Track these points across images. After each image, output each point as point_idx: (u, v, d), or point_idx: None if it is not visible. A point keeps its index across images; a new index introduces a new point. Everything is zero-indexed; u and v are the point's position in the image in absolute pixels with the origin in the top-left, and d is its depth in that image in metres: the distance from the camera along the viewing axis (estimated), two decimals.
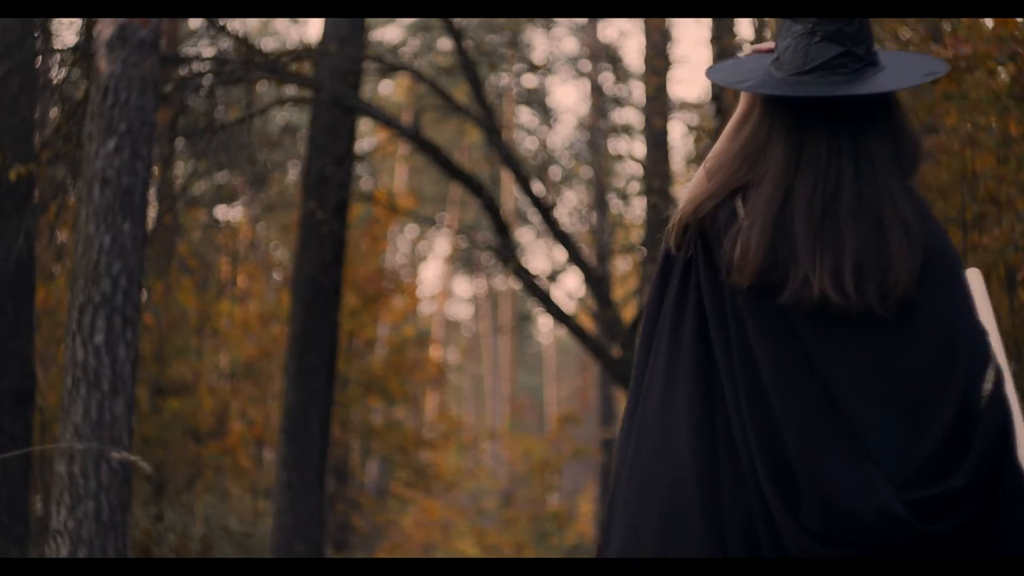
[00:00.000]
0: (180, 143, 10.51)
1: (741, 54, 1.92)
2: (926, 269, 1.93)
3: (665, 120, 13.77)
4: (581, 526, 21.23)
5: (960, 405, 1.91)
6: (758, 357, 1.94)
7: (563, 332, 16.84)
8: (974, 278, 2.24)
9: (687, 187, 2.12)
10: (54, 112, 8.89)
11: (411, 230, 26.33)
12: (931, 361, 1.92)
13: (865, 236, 1.91)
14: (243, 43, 9.57)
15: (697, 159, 11.83)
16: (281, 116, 18.02)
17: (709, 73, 2.13)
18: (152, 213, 9.96)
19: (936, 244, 1.97)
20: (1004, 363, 2.02)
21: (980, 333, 1.98)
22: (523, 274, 10.52)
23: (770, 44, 2.12)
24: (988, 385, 1.93)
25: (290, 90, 11.11)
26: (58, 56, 8.45)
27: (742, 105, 2.10)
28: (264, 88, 12.51)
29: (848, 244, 1.90)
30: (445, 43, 16.79)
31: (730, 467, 1.93)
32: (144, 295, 8.56)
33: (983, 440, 1.90)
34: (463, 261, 26.30)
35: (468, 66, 10.62)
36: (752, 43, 10.89)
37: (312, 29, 37.67)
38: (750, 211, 1.94)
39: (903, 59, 2.07)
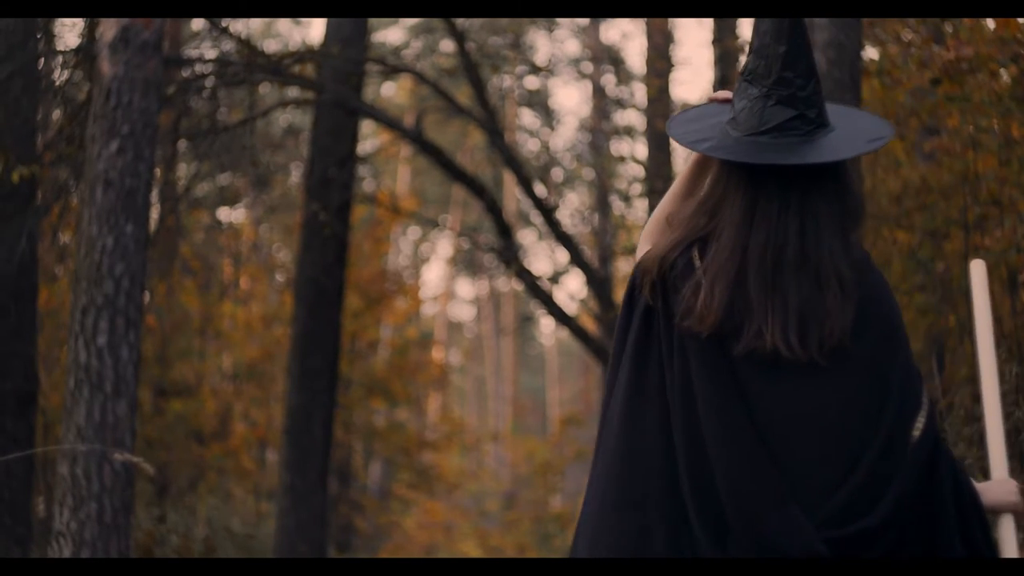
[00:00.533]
0: (183, 145, 10.52)
1: (698, 104, 2.00)
2: (862, 320, 2.09)
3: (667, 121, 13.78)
4: None
5: (885, 449, 2.06)
6: (698, 399, 2.08)
7: (565, 334, 16.83)
8: (977, 269, 2.39)
9: (644, 233, 2.29)
10: (57, 114, 8.89)
11: (414, 232, 26.35)
12: (861, 408, 2.07)
13: (806, 291, 2.07)
14: (245, 45, 9.58)
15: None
16: (283, 118, 18.03)
17: (670, 128, 2.25)
18: (155, 215, 9.97)
19: (874, 295, 2.12)
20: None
21: (913, 380, 2.12)
22: (525, 276, 10.52)
23: (727, 94, 2.23)
24: (916, 431, 2.08)
25: (292, 92, 11.12)
26: (60, 58, 8.45)
27: (698, 158, 2.26)
28: (267, 90, 12.53)
29: (791, 300, 2.06)
30: (447, 45, 16.80)
31: (657, 498, 2.11)
32: (147, 297, 8.57)
33: (902, 481, 2.05)
34: (466, 263, 26.32)
35: (471, 68, 10.63)
36: (750, 43, 10.88)
37: (315, 31, 37.69)
38: (710, 265, 2.09)
39: (853, 119, 2.21)
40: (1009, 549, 2.21)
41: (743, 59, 12.48)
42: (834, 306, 2.07)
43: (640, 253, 2.24)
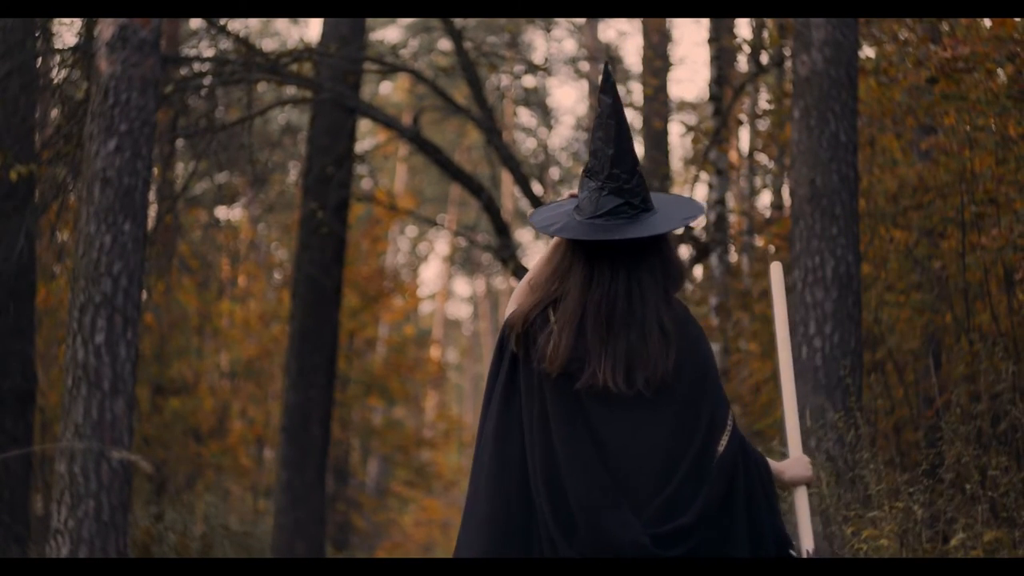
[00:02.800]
0: (181, 143, 10.53)
1: (558, 198, 2.92)
2: (681, 363, 2.64)
3: (664, 120, 13.79)
4: None
5: (696, 464, 2.61)
6: (552, 426, 2.62)
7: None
8: (775, 271, 2.94)
9: (513, 296, 2.83)
10: (55, 112, 8.90)
11: (411, 230, 26.35)
12: (678, 431, 2.62)
13: (633, 341, 2.61)
14: (243, 43, 9.58)
15: (696, 159, 11.84)
16: (281, 116, 18.03)
17: (532, 217, 2.84)
18: (152, 213, 9.97)
19: (691, 344, 2.67)
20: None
21: (721, 407, 2.67)
22: (522, 274, 10.54)
23: (575, 191, 2.79)
24: (721, 448, 2.63)
25: (290, 90, 11.12)
26: (59, 56, 8.46)
27: (555, 240, 2.78)
28: (264, 89, 12.53)
29: (620, 347, 2.61)
30: (445, 44, 16.81)
31: (521, 504, 2.64)
32: (145, 295, 8.57)
33: (710, 489, 2.60)
34: (463, 261, 26.32)
35: (468, 67, 10.63)
36: (747, 42, 10.93)
37: (312, 30, 37.68)
38: (559, 319, 2.63)
39: (673, 203, 2.77)
40: (803, 517, 2.82)
41: (740, 58, 12.49)
42: (656, 353, 2.61)
43: (508, 311, 2.77)
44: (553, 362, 2.61)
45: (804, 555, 2.80)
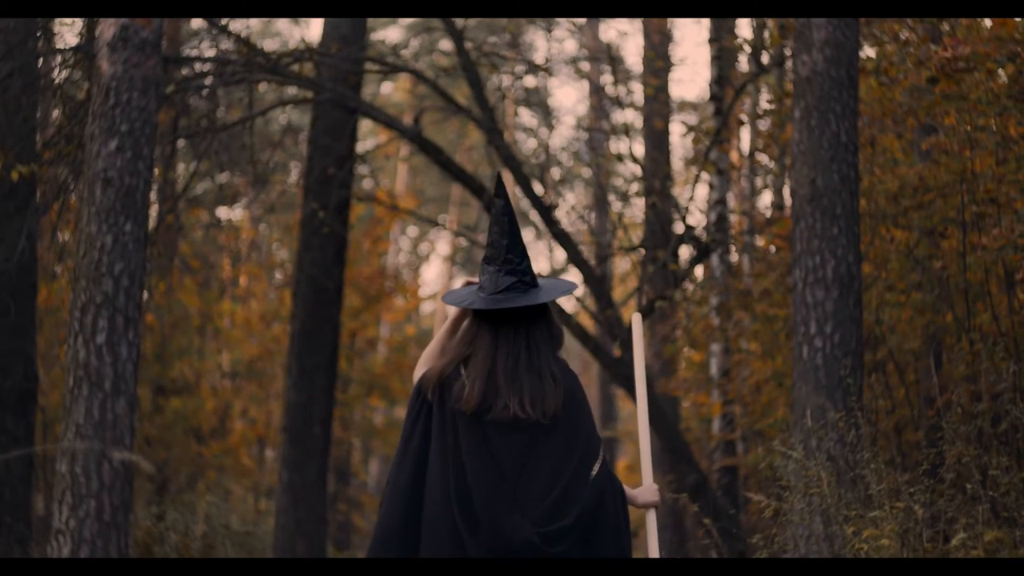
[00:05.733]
0: (182, 143, 10.53)
1: (465, 283, 3.73)
2: (566, 401, 3.44)
3: (665, 120, 13.79)
4: None
5: (574, 478, 3.38)
6: (463, 449, 3.39)
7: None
8: (635, 321, 3.75)
9: (422, 359, 3.63)
10: (56, 113, 8.90)
11: (412, 230, 26.36)
12: (562, 453, 3.40)
13: (534, 383, 3.42)
14: (244, 44, 9.58)
15: (696, 159, 11.83)
16: (282, 117, 18.04)
17: (445, 297, 3.57)
18: (154, 213, 9.98)
19: (571, 386, 3.48)
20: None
21: (594, 440, 3.45)
22: None
23: (472, 279, 3.61)
24: (595, 472, 3.41)
25: (291, 91, 11.13)
26: (60, 57, 8.46)
27: (457, 313, 3.61)
28: (265, 89, 12.53)
29: (525, 388, 3.40)
30: (446, 44, 16.81)
31: (441, 508, 3.39)
32: (146, 295, 8.58)
33: (585, 500, 3.37)
34: (464, 261, 26.32)
35: (469, 67, 10.63)
36: (748, 42, 10.93)
37: (313, 30, 37.67)
38: (472, 371, 3.44)
39: (552, 282, 3.60)
40: (652, 532, 3.58)
41: (741, 59, 12.49)
42: (550, 392, 3.41)
43: (419, 371, 3.58)
44: (468, 403, 3.40)
45: None
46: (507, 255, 3.47)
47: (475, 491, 3.36)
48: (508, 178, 12.50)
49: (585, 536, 3.38)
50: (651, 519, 3.62)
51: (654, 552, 3.58)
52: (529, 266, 3.51)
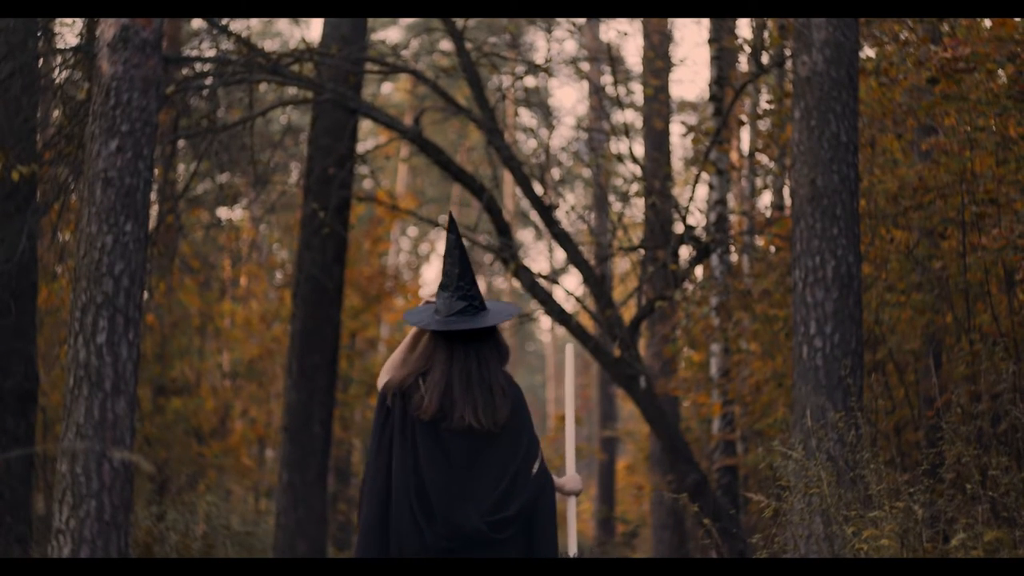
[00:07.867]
0: (182, 143, 10.53)
1: (424, 302, 4.22)
2: (512, 410, 3.91)
3: (665, 121, 13.79)
4: (581, 524, 21.26)
5: (516, 476, 3.88)
6: (420, 452, 3.85)
7: (563, 331, 16.80)
8: (568, 351, 4.31)
9: (384, 370, 4.06)
10: (56, 113, 8.91)
11: (412, 231, 26.36)
12: (508, 454, 3.89)
13: (485, 396, 3.88)
14: (245, 44, 9.59)
15: (696, 159, 11.83)
16: (283, 117, 18.04)
17: (405, 317, 4.04)
18: (154, 213, 9.98)
19: (517, 399, 3.94)
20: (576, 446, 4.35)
21: (533, 443, 3.95)
22: (524, 274, 10.54)
23: (432, 299, 4.05)
24: (534, 470, 3.90)
25: (292, 91, 11.13)
26: (60, 57, 8.47)
27: (416, 332, 4.04)
28: (266, 89, 12.54)
29: (478, 400, 3.87)
30: (446, 44, 16.80)
31: (403, 504, 3.85)
32: (146, 295, 8.59)
33: (525, 494, 3.87)
34: None
35: (469, 67, 10.63)
36: (748, 42, 10.93)
37: (314, 30, 37.67)
38: (429, 383, 3.89)
39: (499, 305, 4.06)
40: (571, 520, 4.16)
41: (741, 59, 12.49)
42: (500, 403, 3.89)
43: (383, 378, 4.02)
44: (427, 412, 3.85)
45: (569, 556, 4.17)
46: (459, 283, 3.95)
47: (431, 488, 3.83)
48: (508, 179, 12.49)
49: (525, 524, 3.89)
50: (571, 509, 4.20)
51: (572, 534, 4.22)
52: (478, 292, 3.98)
